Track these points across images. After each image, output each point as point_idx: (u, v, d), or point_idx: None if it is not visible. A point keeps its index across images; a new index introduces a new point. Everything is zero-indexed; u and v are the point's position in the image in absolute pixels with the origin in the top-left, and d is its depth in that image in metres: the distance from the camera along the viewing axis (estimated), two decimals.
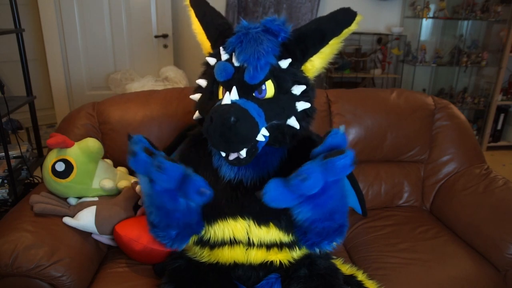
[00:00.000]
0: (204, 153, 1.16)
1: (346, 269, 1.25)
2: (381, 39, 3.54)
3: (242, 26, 1.03)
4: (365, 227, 1.56)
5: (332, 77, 3.37)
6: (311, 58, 1.08)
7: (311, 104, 1.08)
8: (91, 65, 3.04)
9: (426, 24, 3.63)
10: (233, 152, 0.99)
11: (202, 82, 1.12)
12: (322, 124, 1.65)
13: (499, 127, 3.73)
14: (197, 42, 1.21)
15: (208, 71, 1.11)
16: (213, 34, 1.14)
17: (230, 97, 0.98)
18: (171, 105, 1.57)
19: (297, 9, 3.28)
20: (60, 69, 2.96)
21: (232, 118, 0.92)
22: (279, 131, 1.05)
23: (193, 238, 1.13)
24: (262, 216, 1.07)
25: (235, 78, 1.01)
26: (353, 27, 1.07)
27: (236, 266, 1.12)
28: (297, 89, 1.04)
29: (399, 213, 1.64)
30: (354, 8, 1.11)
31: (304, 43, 1.05)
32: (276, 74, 1.02)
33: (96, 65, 3.05)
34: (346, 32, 1.07)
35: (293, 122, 1.05)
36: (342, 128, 1.00)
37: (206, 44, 1.17)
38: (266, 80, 1.01)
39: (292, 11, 3.28)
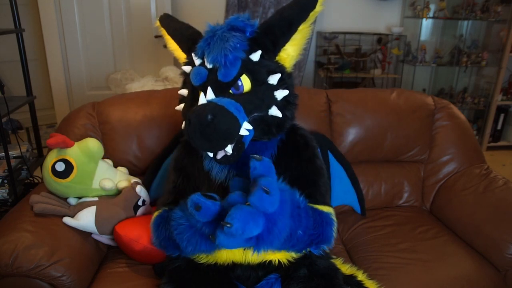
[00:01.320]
0: (197, 158, 1.17)
1: (346, 269, 1.25)
2: (381, 39, 3.54)
3: (209, 29, 1.06)
4: (365, 227, 1.56)
5: (332, 77, 3.37)
6: (284, 47, 1.09)
7: (289, 90, 1.09)
8: (91, 65, 3.05)
9: (426, 24, 3.63)
10: (218, 150, 1.00)
11: (184, 92, 1.14)
12: (322, 124, 1.65)
13: (499, 127, 3.73)
14: None
15: (186, 80, 1.13)
16: (185, 45, 1.17)
17: (206, 97, 1.00)
18: (171, 105, 1.57)
19: None
20: (60, 69, 2.96)
21: (209, 116, 0.93)
22: (263, 123, 1.06)
23: None
24: None
25: (210, 80, 1.03)
26: (318, 9, 1.08)
27: (235, 266, 1.12)
28: (273, 79, 1.06)
29: (399, 213, 1.64)
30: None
31: (272, 33, 1.07)
32: (249, 68, 1.04)
33: (96, 65, 3.05)
34: (313, 15, 1.08)
35: (274, 111, 1.06)
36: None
37: (183, 58, 1.20)
38: (240, 75, 1.03)
39: None
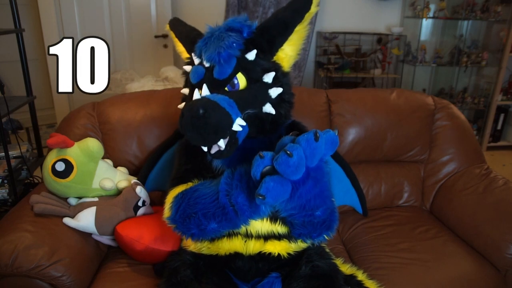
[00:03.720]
0: (199, 150, 1.16)
1: (346, 269, 1.25)
2: (381, 39, 3.54)
3: (208, 31, 1.10)
4: (365, 227, 1.56)
5: (332, 77, 3.37)
6: (282, 47, 1.11)
7: (284, 88, 1.10)
8: None
9: (426, 24, 3.62)
10: (210, 144, 1.02)
11: (185, 91, 1.17)
12: (322, 124, 1.65)
13: (499, 127, 3.73)
14: None
15: (187, 79, 1.17)
16: (188, 46, 1.22)
17: (200, 94, 1.03)
18: (171, 105, 1.57)
19: None
20: None
21: (200, 110, 0.95)
22: (257, 119, 1.08)
23: None
24: None
25: (206, 77, 1.07)
26: (313, 10, 1.09)
27: (236, 257, 1.13)
28: (268, 77, 1.08)
29: (399, 213, 1.64)
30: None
31: (268, 33, 1.09)
32: (244, 66, 1.06)
33: None
34: (308, 16, 1.10)
35: (268, 108, 1.08)
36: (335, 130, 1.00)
37: (187, 55, 1.25)
38: (236, 73, 1.06)
39: None
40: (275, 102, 1.09)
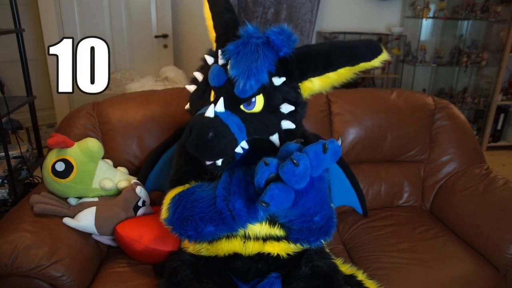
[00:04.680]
0: None
1: (346, 269, 1.25)
2: (381, 39, 3.54)
3: (246, 32, 1.00)
4: (365, 227, 1.56)
5: None
6: (312, 79, 1.06)
7: (296, 125, 1.06)
8: None
9: (426, 24, 3.62)
10: (208, 160, 1.01)
11: (198, 76, 1.13)
12: (322, 124, 1.65)
13: (499, 127, 3.73)
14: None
15: (205, 67, 1.12)
16: (219, 28, 1.13)
17: (215, 108, 0.98)
18: (171, 105, 1.57)
19: (297, 9, 3.27)
20: None
21: (210, 134, 0.93)
22: (259, 144, 1.06)
23: None
24: None
25: (226, 87, 1.01)
26: (374, 64, 1.02)
27: (235, 258, 1.13)
28: (286, 108, 1.03)
29: (399, 213, 1.64)
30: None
31: (305, 63, 1.03)
32: (267, 91, 1.01)
33: None
34: (364, 66, 1.03)
35: (275, 139, 1.05)
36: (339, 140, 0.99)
37: (213, 38, 1.17)
38: (257, 95, 1.01)
39: (292, 11, 3.28)
40: (283, 135, 1.05)
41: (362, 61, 1.02)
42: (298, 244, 1.15)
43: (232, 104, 1.01)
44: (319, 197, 0.99)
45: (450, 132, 1.72)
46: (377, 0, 3.47)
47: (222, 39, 1.08)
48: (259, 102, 1.02)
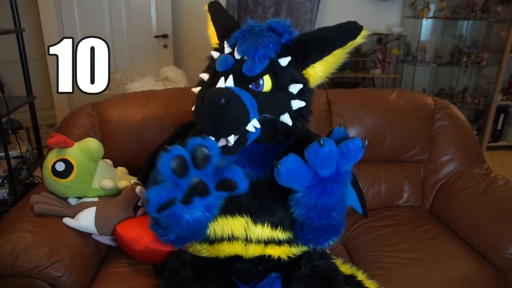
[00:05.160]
0: None
1: (346, 269, 1.25)
2: (381, 39, 3.54)
3: (248, 24, 1.06)
4: (365, 227, 1.56)
5: (332, 77, 3.36)
6: (314, 64, 1.08)
7: (306, 103, 1.08)
8: None
9: (426, 24, 3.62)
10: (221, 136, 0.99)
11: (205, 76, 1.13)
12: (322, 124, 1.65)
13: (499, 127, 3.73)
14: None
15: (211, 65, 1.13)
16: (221, 33, 1.17)
17: (225, 83, 1.00)
18: (171, 105, 1.57)
19: (297, 9, 3.28)
20: None
21: (223, 100, 0.92)
22: (271, 126, 1.05)
23: None
24: (258, 215, 1.09)
25: (234, 69, 1.04)
26: (358, 41, 1.07)
27: (235, 260, 1.12)
28: (294, 88, 1.05)
29: (399, 213, 1.64)
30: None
31: (306, 47, 1.07)
32: (274, 70, 1.03)
33: None
34: (351, 44, 1.07)
35: (286, 118, 1.05)
36: (342, 126, 1.02)
37: (215, 41, 1.20)
38: (264, 74, 1.02)
39: (292, 11, 3.28)
40: (293, 115, 1.06)
41: (349, 40, 1.07)
42: (300, 246, 1.15)
43: (241, 84, 1.02)
44: (343, 191, 1.00)
45: (450, 132, 1.71)
46: (377, 0, 3.47)
47: (226, 36, 1.11)
48: (267, 83, 1.03)
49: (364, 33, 1.07)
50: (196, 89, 1.15)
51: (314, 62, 1.08)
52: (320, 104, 1.68)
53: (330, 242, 1.08)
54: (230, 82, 1.01)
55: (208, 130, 0.97)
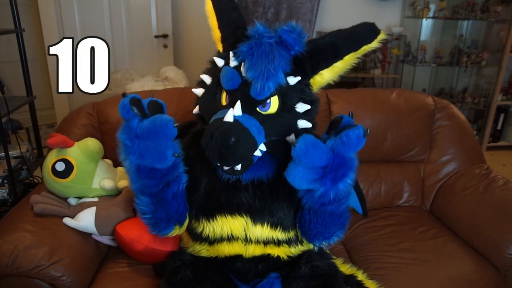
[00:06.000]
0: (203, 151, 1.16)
1: (346, 269, 1.25)
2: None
3: (256, 32, 0.99)
4: (365, 227, 1.56)
5: None
6: (321, 72, 1.06)
7: (312, 124, 1.07)
8: None
9: (426, 24, 3.62)
10: (229, 166, 1.00)
11: (206, 79, 1.11)
12: (322, 124, 1.64)
13: (499, 127, 3.73)
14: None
15: (213, 70, 1.10)
16: (225, 27, 1.11)
17: (233, 112, 0.96)
18: (171, 105, 1.57)
19: (297, 9, 3.27)
20: None
21: (233, 139, 0.91)
22: (276, 145, 1.05)
23: (192, 235, 1.15)
24: (258, 215, 1.08)
25: (241, 90, 1.00)
26: (373, 45, 1.04)
27: (235, 259, 1.12)
28: (301, 107, 1.04)
29: (399, 213, 1.64)
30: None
31: (316, 58, 1.03)
32: (282, 91, 1.01)
33: None
34: (365, 49, 1.04)
35: (292, 139, 1.04)
36: (350, 114, 1.00)
37: (218, 38, 1.13)
38: (272, 96, 1.00)
39: (292, 11, 3.28)
40: (299, 133, 1.04)
41: (364, 44, 1.04)
42: (299, 246, 1.15)
43: (248, 106, 0.99)
44: (352, 176, 0.98)
45: (450, 132, 1.72)
46: (377, 0, 3.47)
47: (231, 40, 1.06)
48: (274, 103, 1.01)
49: (381, 37, 1.03)
50: (196, 90, 1.14)
51: (322, 69, 1.06)
52: (320, 104, 1.67)
53: (335, 238, 1.07)
54: (238, 110, 0.97)
55: (215, 162, 0.98)
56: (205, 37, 1.23)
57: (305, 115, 1.05)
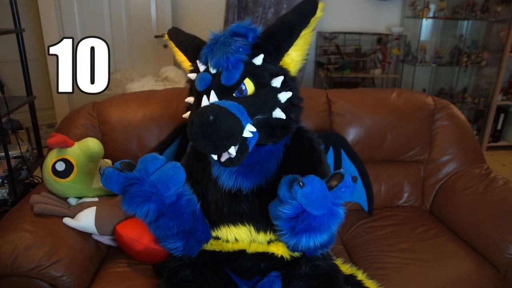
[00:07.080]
0: (206, 164, 1.19)
1: (346, 269, 1.25)
2: (381, 39, 3.54)
3: (212, 38, 1.08)
4: (365, 227, 1.56)
5: (332, 77, 3.37)
6: (288, 52, 1.10)
7: (293, 92, 1.09)
8: None
9: (426, 24, 3.62)
10: (221, 151, 1.00)
11: (190, 100, 1.15)
12: (322, 124, 1.65)
13: (499, 127, 3.73)
14: None
15: (193, 87, 1.14)
16: (191, 54, 1.19)
17: (209, 100, 1.02)
18: (171, 105, 1.57)
19: None
20: None
21: (211, 116, 0.93)
22: (267, 125, 1.07)
23: None
24: (260, 223, 1.12)
25: (214, 84, 1.05)
26: (319, 15, 1.08)
27: (238, 255, 1.14)
28: (276, 81, 1.06)
29: (399, 213, 1.64)
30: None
31: (274, 38, 1.08)
32: (252, 72, 1.05)
33: None
34: (314, 20, 1.09)
35: (278, 113, 1.06)
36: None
37: (187, 63, 1.22)
38: (243, 79, 1.04)
39: None
40: (284, 107, 1.07)
41: (310, 17, 1.08)
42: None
43: (224, 95, 1.04)
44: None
45: (450, 132, 1.72)
46: (377, 0, 3.47)
47: (194, 53, 1.15)
48: (249, 86, 1.05)
49: (321, 5, 1.08)
50: (187, 115, 1.17)
51: (287, 50, 1.09)
52: (320, 104, 1.68)
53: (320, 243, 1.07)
54: (213, 97, 1.02)
55: (207, 149, 0.98)
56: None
57: (283, 88, 1.07)
